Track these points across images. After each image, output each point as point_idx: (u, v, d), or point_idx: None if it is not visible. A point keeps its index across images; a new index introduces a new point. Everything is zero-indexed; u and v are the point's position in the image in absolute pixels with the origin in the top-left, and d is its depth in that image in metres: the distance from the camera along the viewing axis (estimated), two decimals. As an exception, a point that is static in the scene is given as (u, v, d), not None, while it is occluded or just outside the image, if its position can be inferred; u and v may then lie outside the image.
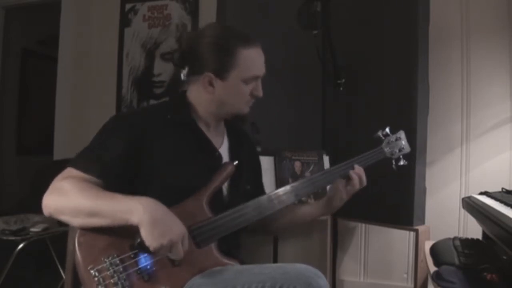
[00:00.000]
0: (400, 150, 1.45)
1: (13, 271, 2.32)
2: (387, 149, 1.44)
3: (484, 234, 1.76)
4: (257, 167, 1.52)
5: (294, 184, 1.29)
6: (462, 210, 1.86)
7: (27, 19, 4.02)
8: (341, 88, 2.05)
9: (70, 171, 1.13)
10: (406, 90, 2.02)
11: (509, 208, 1.33)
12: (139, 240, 1.04)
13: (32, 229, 2.29)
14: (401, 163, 1.44)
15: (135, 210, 1.04)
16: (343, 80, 2.04)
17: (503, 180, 2.14)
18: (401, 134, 1.46)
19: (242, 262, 1.24)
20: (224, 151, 1.34)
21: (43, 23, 3.94)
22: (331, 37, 2.03)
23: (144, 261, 1.08)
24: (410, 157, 1.95)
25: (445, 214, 2.31)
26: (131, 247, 1.08)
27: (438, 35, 2.25)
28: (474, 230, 1.91)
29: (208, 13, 2.74)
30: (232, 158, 1.34)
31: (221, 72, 1.22)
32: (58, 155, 3.10)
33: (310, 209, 1.43)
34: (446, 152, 2.35)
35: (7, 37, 3.76)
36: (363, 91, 2.20)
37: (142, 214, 1.03)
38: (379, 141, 1.45)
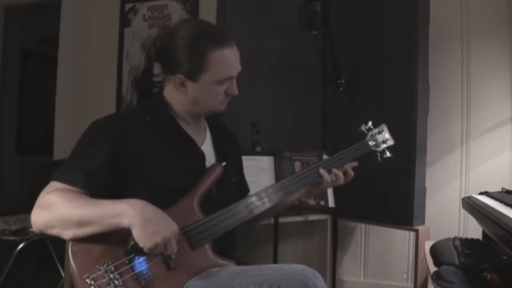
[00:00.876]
0: (384, 142, 1.47)
1: (13, 271, 2.32)
2: (371, 143, 1.46)
3: (484, 234, 1.76)
4: (239, 158, 1.51)
5: (283, 181, 1.29)
6: (462, 210, 1.86)
7: (27, 19, 4.02)
8: (341, 88, 2.04)
9: (54, 184, 1.11)
10: (406, 90, 2.02)
11: (509, 208, 1.33)
12: (132, 243, 1.03)
13: (32, 229, 2.28)
14: (386, 155, 1.47)
15: (125, 212, 1.03)
16: (343, 80, 2.04)
17: (503, 180, 2.14)
18: (384, 127, 1.49)
19: (238, 262, 1.23)
20: (208, 146, 1.33)
21: (43, 23, 3.94)
22: (331, 37, 2.03)
23: (139, 266, 1.07)
24: (410, 156, 1.98)
25: (445, 214, 2.31)
26: (126, 253, 1.07)
27: (438, 35, 2.25)
28: (474, 230, 1.91)
29: (208, 13, 2.74)
30: (216, 153, 1.34)
31: (192, 74, 1.19)
32: (58, 155, 3.10)
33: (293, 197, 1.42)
34: (446, 152, 2.35)
35: (7, 37, 3.76)
36: (363, 91, 2.20)
37: (132, 215, 1.02)
38: (362, 135, 1.48)
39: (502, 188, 1.81)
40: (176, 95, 1.25)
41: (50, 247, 2.48)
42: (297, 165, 2.14)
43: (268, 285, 1.02)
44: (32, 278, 2.75)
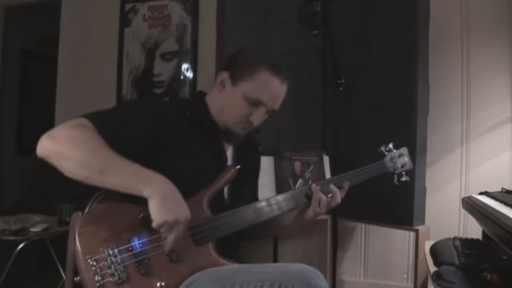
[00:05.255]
0: (402, 166, 1.46)
1: (13, 271, 2.31)
2: (389, 164, 1.45)
3: (484, 234, 1.76)
4: (257, 172, 1.53)
5: (294, 191, 1.30)
6: (462, 210, 1.86)
7: (27, 19, 4.01)
8: (341, 88, 2.04)
9: (85, 123, 1.11)
10: (406, 90, 2.02)
11: (509, 208, 1.33)
12: (143, 214, 1.06)
13: (32, 229, 2.29)
14: (403, 179, 1.46)
15: (150, 182, 1.04)
16: (343, 80, 2.04)
17: (503, 180, 2.14)
18: (404, 151, 1.48)
19: (239, 261, 1.24)
20: (228, 155, 1.36)
21: (43, 23, 3.94)
22: (331, 37, 2.03)
23: (142, 254, 1.09)
24: (410, 156, 1.97)
25: (445, 214, 2.31)
26: (130, 239, 1.09)
27: (438, 35, 2.25)
28: (474, 230, 1.91)
29: (208, 13, 2.74)
30: (234, 163, 1.35)
31: (236, 77, 1.24)
32: (58, 155, 3.10)
33: (287, 220, 1.39)
34: (446, 152, 2.35)
35: (7, 37, 3.76)
36: (363, 91, 2.20)
37: (156, 188, 1.04)
38: (381, 156, 1.46)
39: (502, 188, 1.81)
40: (214, 96, 1.30)
41: (50, 247, 2.48)
42: (297, 165, 2.14)
43: (270, 283, 1.02)
44: (32, 278, 2.75)
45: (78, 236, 1.07)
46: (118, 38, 3.06)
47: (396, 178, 1.46)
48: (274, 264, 1.26)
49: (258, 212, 1.22)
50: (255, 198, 1.50)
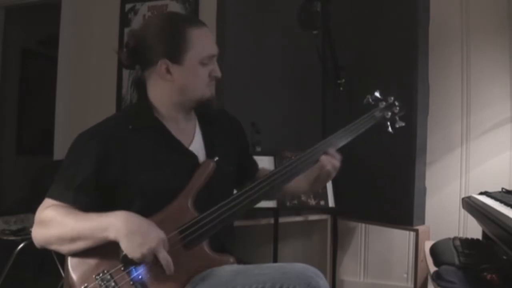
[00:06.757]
0: (393, 113, 1.41)
1: (13, 271, 2.32)
2: (378, 114, 1.40)
3: (484, 234, 1.76)
4: (236, 141, 1.41)
5: (279, 168, 1.27)
6: (462, 210, 1.86)
7: (27, 19, 4.02)
8: (341, 88, 2.05)
9: (48, 201, 1.14)
10: (406, 90, 2.02)
11: (509, 208, 1.33)
12: (123, 254, 1.04)
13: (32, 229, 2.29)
14: (398, 125, 1.39)
15: (110, 226, 1.04)
16: (343, 80, 2.04)
17: (503, 180, 2.14)
18: (393, 98, 1.43)
19: (238, 258, 1.21)
20: (198, 142, 1.29)
21: (43, 23, 3.94)
22: (331, 37, 2.03)
23: (136, 271, 1.07)
24: (410, 156, 1.98)
25: (445, 214, 2.31)
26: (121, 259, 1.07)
27: (438, 35, 2.25)
28: (474, 230, 1.91)
29: (208, 13, 2.73)
30: (207, 148, 1.29)
31: (176, 56, 1.18)
32: (58, 155, 3.10)
33: (301, 185, 1.40)
34: (446, 152, 2.35)
35: (7, 37, 3.76)
36: (363, 91, 2.19)
37: (118, 229, 1.03)
38: (369, 107, 1.40)
39: (502, 188, 1.81)
40: (162, 88, 1.22)
41: (50, 247, 2.48)
42: (297, 165, 2.14)
43: (271, 284, 1.01)
44: (32, 278, 2.75)
45: (71, 269, 1.08)
46: (118, 38, 3.06)
47: (390, 125, 1.39)
48: (274, 265, 1.24)
49: (247, 200, 1.18)
50: (250, 164, 1.46)
